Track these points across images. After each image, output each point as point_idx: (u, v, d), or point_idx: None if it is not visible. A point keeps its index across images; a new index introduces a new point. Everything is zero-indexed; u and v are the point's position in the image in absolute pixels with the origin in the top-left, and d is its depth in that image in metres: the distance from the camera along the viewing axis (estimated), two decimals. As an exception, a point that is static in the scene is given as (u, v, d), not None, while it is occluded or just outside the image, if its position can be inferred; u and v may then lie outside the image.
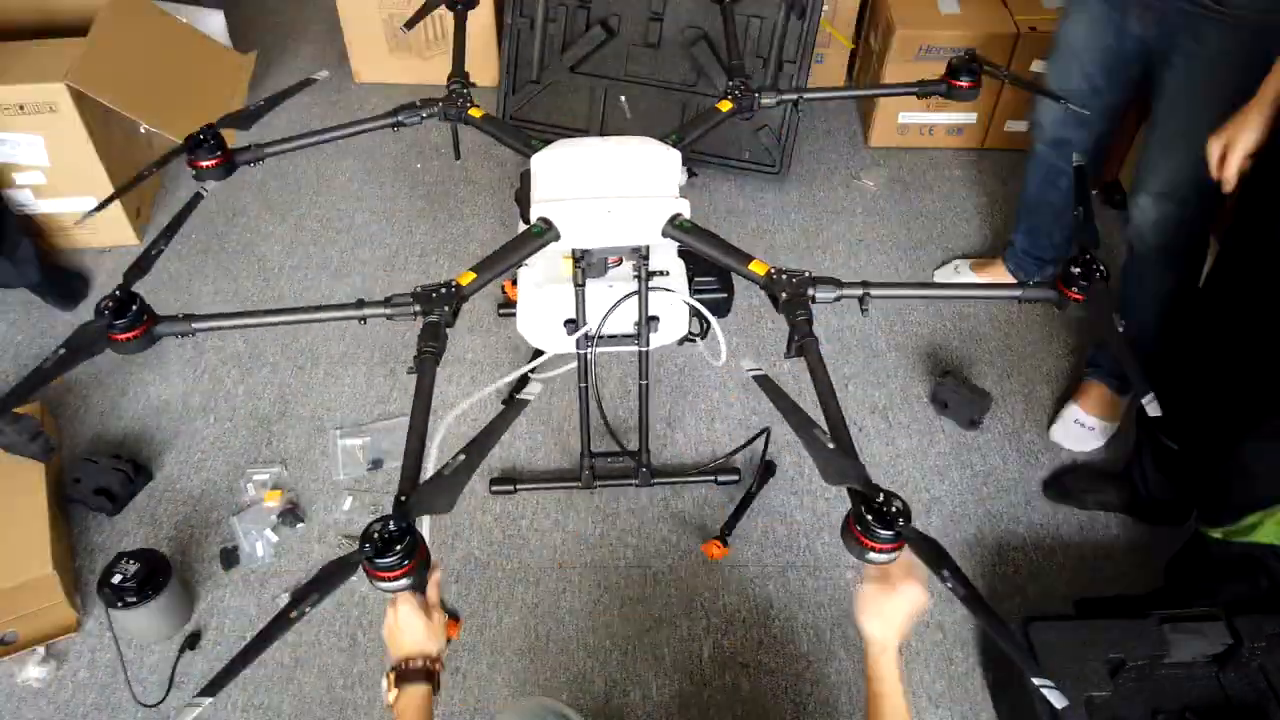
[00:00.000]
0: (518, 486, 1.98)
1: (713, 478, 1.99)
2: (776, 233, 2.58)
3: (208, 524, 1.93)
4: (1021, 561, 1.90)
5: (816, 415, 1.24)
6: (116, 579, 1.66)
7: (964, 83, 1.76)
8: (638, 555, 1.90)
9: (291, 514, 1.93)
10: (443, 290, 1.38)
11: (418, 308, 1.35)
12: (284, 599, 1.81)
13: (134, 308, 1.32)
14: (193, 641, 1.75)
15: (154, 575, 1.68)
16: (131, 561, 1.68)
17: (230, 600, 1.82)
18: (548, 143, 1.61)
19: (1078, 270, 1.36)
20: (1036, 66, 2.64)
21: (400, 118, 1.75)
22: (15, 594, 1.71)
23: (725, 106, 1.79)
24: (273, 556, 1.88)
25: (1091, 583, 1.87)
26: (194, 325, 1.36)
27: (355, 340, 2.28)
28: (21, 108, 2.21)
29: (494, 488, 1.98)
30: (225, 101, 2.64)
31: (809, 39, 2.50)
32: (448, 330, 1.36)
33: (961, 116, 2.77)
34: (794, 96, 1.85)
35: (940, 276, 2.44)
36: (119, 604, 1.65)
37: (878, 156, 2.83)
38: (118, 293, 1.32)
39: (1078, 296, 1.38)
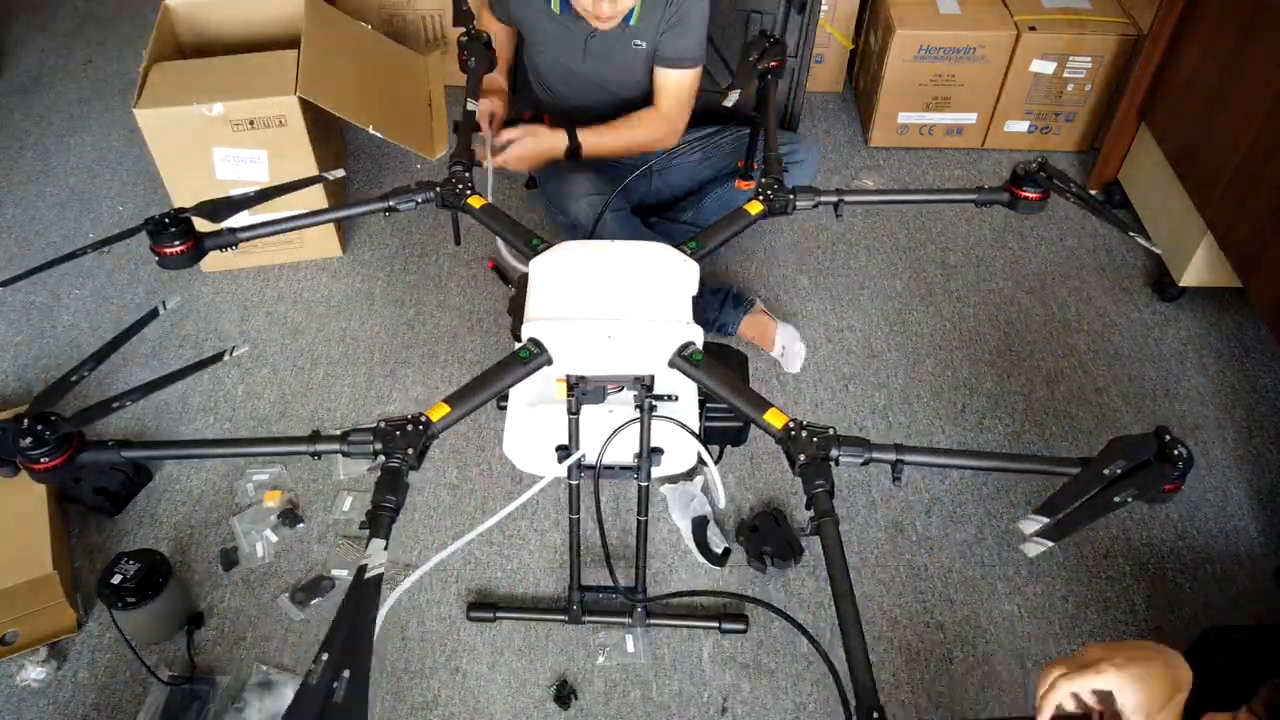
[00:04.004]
0: (498, 615, 1.78)
1: (717, 625, 1.78)
2: (776, 234, 2.58)
3: (208, 524, 1.93)
4: (1021, 561, 1.90)
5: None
6: (116, 579, 1.66)
7: (1031, 194, 1.54)
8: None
9: (291, 514, 1.93)
10: (409, 428, 1.21)
11: (378, 446, 1.19)
12: (284, 599, 1.81)
13: (56, 432, 1.17)
14: (197, 621, 1.78)
15: (153, 576, 1.68)
16: (131, 562, 1.68)
17: (230, 600, 1.82)
18: (550, 245, 1.48)
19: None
20: (1036, 66, 2.65)
21: (393, 202, 1.56)
22: (15, 594, 1.71)
23: (755, 209, 1.58)
24: (272, 556, 1.88)
25: (1092, 582, 1.87)
26: (123, 454, 1.24)
27: (355, 341, 2.29)
28: (251, 123, 2.16)
29: (472, 614, 1.79)
30: (424, 102, 2.60)
31: (809, 34, 2.48)
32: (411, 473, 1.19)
33: (961, 117, 2.78)
34: (833, 199, 1.59)
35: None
36: (118, 605, 1.65)
37: (878, 156, 2.84)
38: (25, 420, 1.16)
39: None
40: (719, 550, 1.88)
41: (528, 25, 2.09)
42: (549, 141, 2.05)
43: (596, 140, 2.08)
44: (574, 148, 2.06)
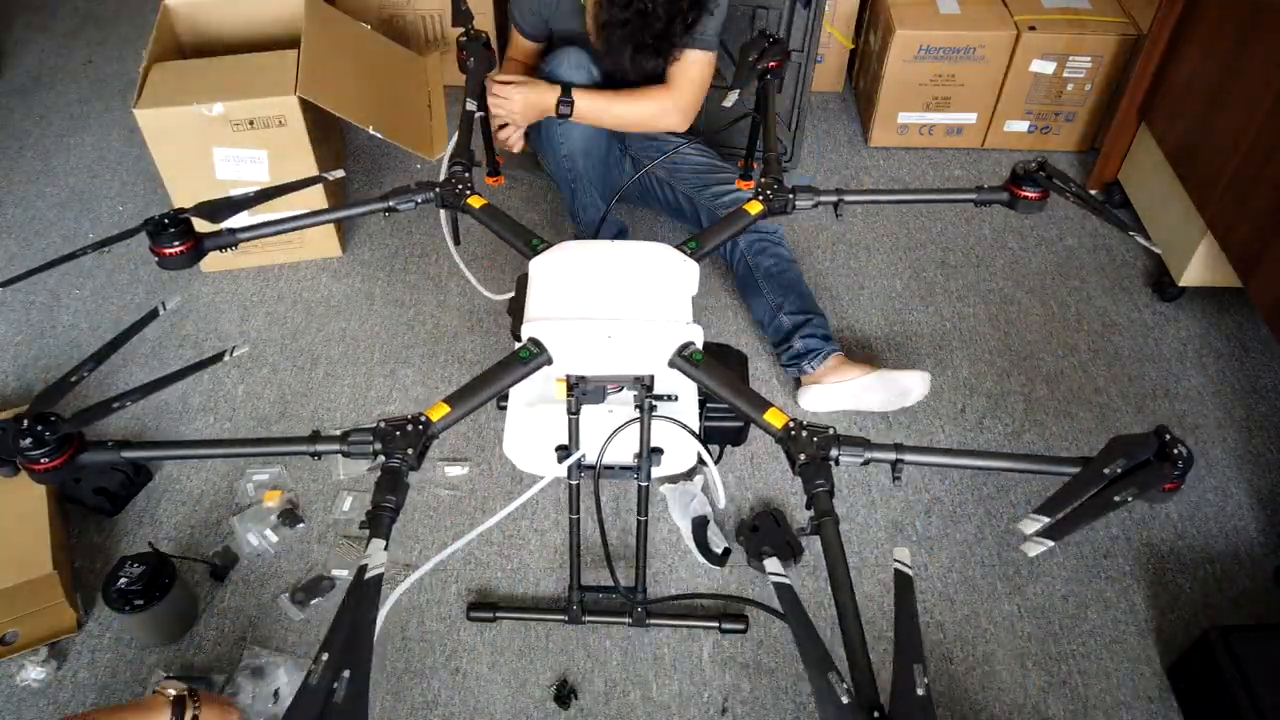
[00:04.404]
0: (498, 615, 1.78)
1: (716, 625, 1.78)
2: (776, 233, 2.58)
3: (207, 524, 1.93)
4: (1021, 561, 1.90)
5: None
6: (122, 582, 1.65)
7: (1030, 194, 1.54)
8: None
9: (291, 514, 1.93)
10: (409, 428, 1.21)
11: (378, 446, 1.20)
12: (284, 599, 1.81)
13: (56, 433, 1.17)
14: (221, 574, 1.82)
15: (159, 576, 1.67)
16: (135, 564, 1.67)
17: (230, 600, 1.81)
18: (550, 245, 1.49)
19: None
20: (1036, 66, 2.65)
21: (393, 203, 1.56)
22: (15, 594, 1.71)
23: (754, 209, 1.57)
24: (272, 557, 1.88)
25: (1091, 582, 1.87)
26: (123, 454, 1.25)
27: (355, 341, 2.29)
28: (251, 123, 2.16)
29: (472, 614, 1.79)
30: (424, 102, 2.61)
31: (815, 28, 2.46)
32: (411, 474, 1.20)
33: (961, 117, 2.78)
34: (833, 199, 1.58)
35: None
36: (126, 609, 1.64)
37: (878, 156, 2.84)
38: (25, 421, 1.16)
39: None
40: (719, 550, 1.88)
41: (559, 21, 2.07)
42: (542, 92, 1.99)
43: (595, 104, 2.02)
44: (567, 104, 1.99)
